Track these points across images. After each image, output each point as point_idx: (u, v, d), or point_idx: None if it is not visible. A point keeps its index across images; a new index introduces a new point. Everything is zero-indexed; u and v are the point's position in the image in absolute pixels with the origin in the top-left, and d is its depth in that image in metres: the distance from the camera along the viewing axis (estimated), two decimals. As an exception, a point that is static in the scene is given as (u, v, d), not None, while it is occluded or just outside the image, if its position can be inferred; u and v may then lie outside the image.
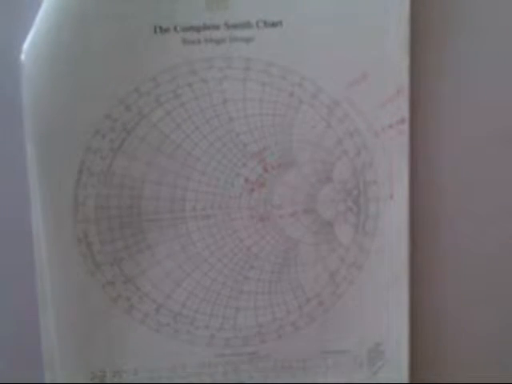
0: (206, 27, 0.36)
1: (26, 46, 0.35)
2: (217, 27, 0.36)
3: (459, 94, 0.40)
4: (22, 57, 0.35)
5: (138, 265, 0.38)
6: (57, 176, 0.36)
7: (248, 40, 0.37)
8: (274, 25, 0.37)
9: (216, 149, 0.38)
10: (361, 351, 0.41)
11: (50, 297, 0.37)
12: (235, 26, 0.36)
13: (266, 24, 0.36)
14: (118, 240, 0.38)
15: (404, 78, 0.38)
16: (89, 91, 0.36)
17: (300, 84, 0.37)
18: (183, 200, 0.38)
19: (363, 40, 0.37)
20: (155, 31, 0.36)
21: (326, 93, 0.38)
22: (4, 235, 0.39)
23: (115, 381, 0.39)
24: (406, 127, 0.39)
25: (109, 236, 0.37)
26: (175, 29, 0.36)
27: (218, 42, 0.36)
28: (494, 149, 0.40)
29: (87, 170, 0.37)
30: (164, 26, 0.36)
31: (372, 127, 0.38)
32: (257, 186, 0.38)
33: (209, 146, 0.37)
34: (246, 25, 0.36)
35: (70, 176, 0.36)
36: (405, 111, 0.38)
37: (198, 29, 0.36)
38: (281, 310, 0.40)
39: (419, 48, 0.38)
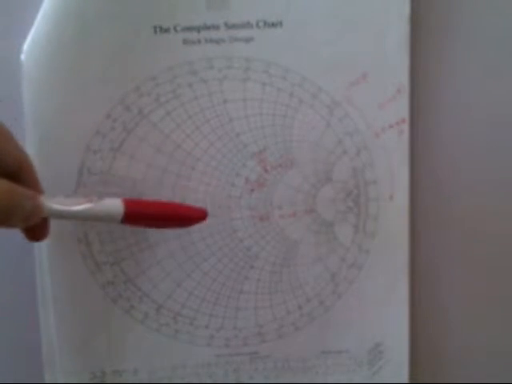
0: (206, 27, 0.36)
1: (26, 46, 0.35)
2: (217, 27, 0.36)
3: (459, 94, 0.40)
4: (22, 57, 0.35)
5: (138, 265, 0.38)
6: (57, 176, 0.36)
7: (248, 40, 0.37)
8: (274, 25, 0.37)
9: (216, 149, 0.38)
10: (361, 351, 0.41)
11: (50, 297, 0.37)
12: (235, 26, 0.36)
13: (265, 24, 0.36)
14: (118, 240, 0.38)
15: (404, 78, 0.38)
16: (89, 91, 0.36)
17: (300, 84, 0.37)
18: (183, 200, 0.38)
19: (363, 40, 0.37)
20: (155, 31, 0.36)
21: (326, 93, 0.38)
22: (4, 235, 0.38)
23: (115, 381, 0.39)
24: (405, 127, 0.39)
25: (109, 236, 0.37)
26: (175, 29, 0.36)
27: (218, 41, 0.36)
28: (494, 149, 0.40)
29: (87, 170, 0.37)
30: (164, 26, 0.36)
31: (372, 127, 0.38)
32: (257, 186, 0.38)
33: (209, 146, 0.37)
34: (246, 25, 0.36)
35: (70, 176, 0.36)
36: (405, 111, 0.38)
37: (198, 29, 0.36)
38: (281, 310, 0.40)
39: (419, 48, 0.38)
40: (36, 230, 0.33)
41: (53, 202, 0.31)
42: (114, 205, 0.32)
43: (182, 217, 0.34)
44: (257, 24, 0.36)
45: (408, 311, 0.41)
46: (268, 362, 0.41)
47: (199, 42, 0.36)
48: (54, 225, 0.37)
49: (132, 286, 0.38)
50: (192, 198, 0.38)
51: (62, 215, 0.31)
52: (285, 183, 0.38)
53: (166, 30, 0.36)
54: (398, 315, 0.41)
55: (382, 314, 0.41)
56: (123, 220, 0.32)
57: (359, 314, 0.41)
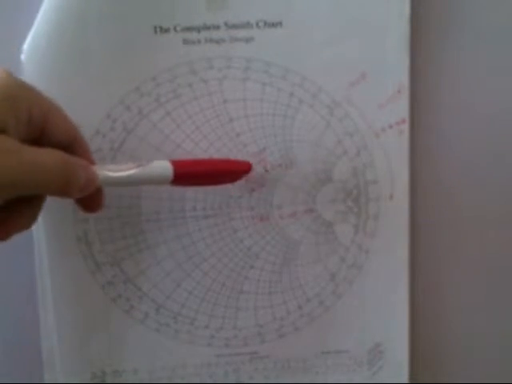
0: (206, 27, 0.36)
1: (26, 46, 0.35)
2: (217, 27, 0.36)
3: (459, 94, 0.40)
4: (22, 57, 0.35)
5: (138, 265, 0.38)
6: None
7: (248, 40, 0.37)
8: (274, 25, 0.37)
9: (216, 149, 0.38)
10: (361, 351, 0.41)
11: (50, 297, 0.38)
12: (235, 26, 0.36)
13: (266, 24, 0.36)
14: (118, 240, 0.38)
15: (404, 78, 0.38)
16: (89, 91, 0.36)
17: (300, 84, 0.37)
18: (183, 200, 0.38)
19: (363, 40, 0.37)
20: (155, 31, 0.36)
21: (326, 93, 0.38)
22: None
23: (115, 381, 0.39)
24: (406, 127, 0.39)
25: (109, 236, 0.37)
26: (175, 29, 0.36)
27: (218, 41, 0.36)
28: (494, 148, 0.40)
29: (87, 170, 0.37)
30: (164, 26, 0.36)
31: (372, 127, 0.38)
32: (257, 186, 0.38)
33: (209, 146, 0.37)
34: (246, 25, 0.36)
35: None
36: (405, 111, 0.38)
37: (198, 29, 0.36)
38: (281, 310, 0.40)
39: (419, 48, 0.38)
40: (91, 200, 0.33)
41: (104, 170, 0.31)
42: (163, 166, 0.32)
43: (228, 172, 0.35)
44: (257, 24, 0.36)
45: (408, 311, 0.41)
46: (268, 362, 0.41)
47: (199, 42, 0.36)
48: (53, 225, 0.37)
49: (132, 285, 0.38)
50: (192, 198, 0.38)
51: (114, 182, 0.32)
52: (285, 183, 0.38)
53: (166, 30, 0.36)
54: (397, 315, 0.41)
55: (382, 314, 0.41)
56: (173, 181, 0.32)
57: (359, 314, 0.41)
